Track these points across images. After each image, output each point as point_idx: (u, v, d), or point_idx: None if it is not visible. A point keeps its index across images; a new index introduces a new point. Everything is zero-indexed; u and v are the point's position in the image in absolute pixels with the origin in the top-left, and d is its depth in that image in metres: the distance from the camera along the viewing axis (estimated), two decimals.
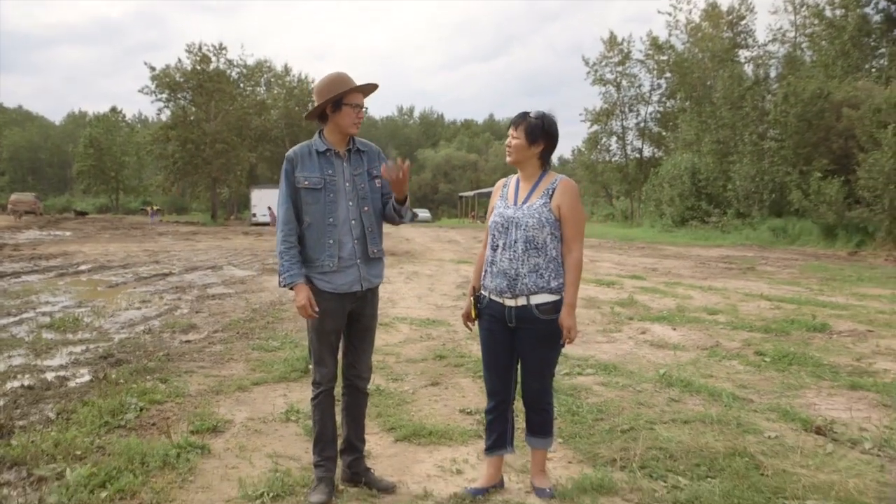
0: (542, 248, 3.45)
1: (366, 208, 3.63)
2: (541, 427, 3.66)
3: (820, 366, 6.48)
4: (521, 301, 3.46)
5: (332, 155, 3.60)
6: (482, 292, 3.65)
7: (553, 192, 3.50)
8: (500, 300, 3.52)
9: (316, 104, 3.57)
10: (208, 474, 3.88)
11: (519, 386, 3.72)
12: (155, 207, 52.46)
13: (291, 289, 3.53)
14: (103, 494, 3.50)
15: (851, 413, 5.09)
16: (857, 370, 6.39)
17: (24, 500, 3.45)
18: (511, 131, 3.56)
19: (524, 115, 3.53)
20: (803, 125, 28.09)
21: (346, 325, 3.70)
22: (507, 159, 3.61)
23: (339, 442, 3.78)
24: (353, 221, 3.58)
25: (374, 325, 3.82)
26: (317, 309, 3.50)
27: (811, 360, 6.65)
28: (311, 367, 3.78)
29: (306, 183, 3.55)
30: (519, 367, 3.65)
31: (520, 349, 3.57)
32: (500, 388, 3.67)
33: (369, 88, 3.66)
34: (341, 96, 3.52)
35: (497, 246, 3.54)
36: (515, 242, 3.47)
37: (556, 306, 3.45)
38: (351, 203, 3.59)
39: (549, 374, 3.64)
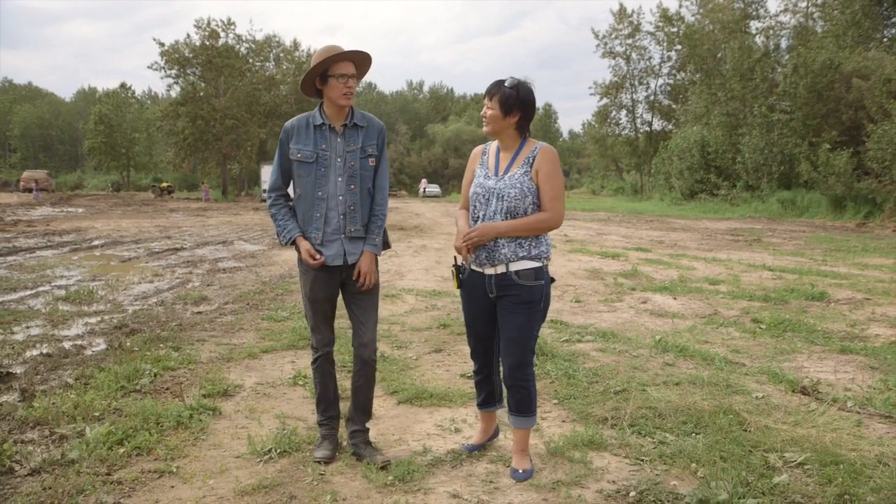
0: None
1: (352, 186, 3.64)
2: (520, 405, 3.57)
3: (814, 332, 6.64)
4: (501, 269, 3.46)
5: (327, 129, 3.64)
6: (462, 263, 3.67)
7: (533, 160, 3.48)
8: (481, 270, 3.53)
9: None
10: (220, 433, 4.10)
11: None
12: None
13: (293, 244, 3.66)
14: (121, 450, 3.73)
15: (838, 375, 5.27)
16: (849, 335, 6.56)
17: (48, 455, 3.67)
18: (486, 101, 3.51)
19: (499, 84, 3.48)
20: (813, 96, 27.93)
21: (344, 297, 3.78)
22: (484, 129, 3.57)
23: (346, 409, 3.92)
24: (340, 197, 3.63)
25: (372, 298, 3.79)
26: (318, 256, 3.58)
27: (805, 327, 6.81)
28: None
29: (299, 156, 3.62)
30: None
31: (500, 318, 3.55)
32: (482, 354, 3.76)
33: (358, 57, 3.61)
34: (325, 67, 3.54)
35: (478, 217, 3.53)
36: (496, 214, 3.46)
37: (536, 273, 3.44)
38: (340, 179, 3.63)
39: (527, 346, 3.52)
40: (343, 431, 3.94)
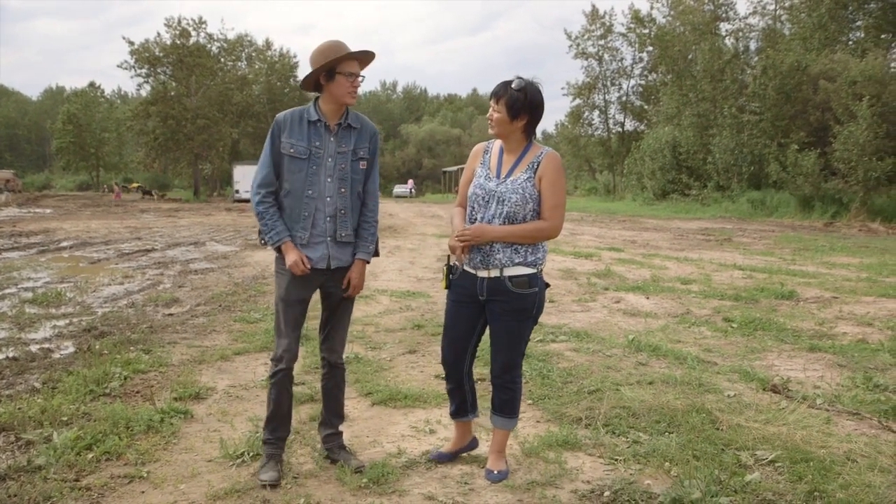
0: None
1: (342, 189, 3.52)
2: (504, 406, 3.53)
3: (783, 330, 6.75)
4: (494, 273, 3.36)
5: (322, 127, 3.51)
6: (455, 262, 3.54)
7: (538, 165, 3.37)
8: (473, 271, 3.43)
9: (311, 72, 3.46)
10: (191, 437, 4.04)
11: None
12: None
13: (278, 249, 3.52)
14: (90, 455, 3.66)
15: (808, 373, 5.35)
16: (817, 334, 6.67)
17: (14, 461, 3.60)
18: (492, 103, 3.38)
19: (505, 85, 3.32)
20: (781, 98, 28.38)
21: (322, 300, 3.70)
22: (490, 132, 3.46)
23: (319, 415, 3.83)
24: (328, 199, 3.50)
25: (349, 303, 3.74)
26: (309, 265, 3.46)
27: (776, 326, 6.92)
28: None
29: (292, 150, 3.47)
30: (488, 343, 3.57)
31: (490, 322, 3.48)
32: (453, 362, 3.61)
33: (364, 56, 3.53)
34: (334, 64, 3.42)
35: (475, 220, 3.43)
36: (494, 218, 3.36)
37: (530, 280, 3.36)
38: (329, 180, 3.50)
39: (517, 350, 3.48)
40: (316, 435, 3.90)
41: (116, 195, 46.50)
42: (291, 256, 3.45)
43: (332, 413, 3.80)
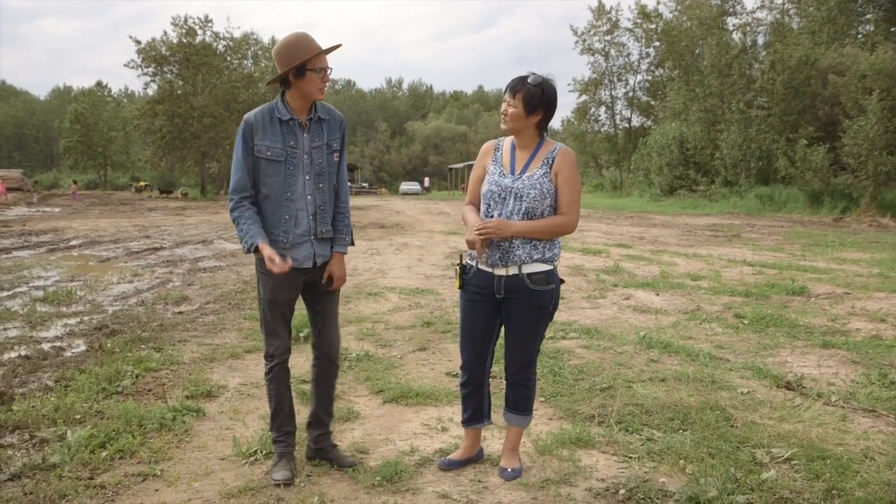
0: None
1: (321, 185, 3.47)
2: (518, 403, 3.52)
3: (795, 326, 6.71)
4: (513, 270, 3.32)
5: (295, 125, 3.41)
6: (469, 262, 3.49)
7: (553, 161, 3.35)
8: (490, 269, 3.38)
9: (278, 70, 3.35)
10: (204, 435, 4.04)
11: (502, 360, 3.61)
12: None
13: (257, 252, 3.35)
14: (104, 454, 3.66)
15: (822, 369, 5.32)
16: (830, 330, 6.63)
17: (29, 459, 3.60)
18: (507, 98, 3.31)
19: (522, 80, 3.27)
20: (790, 92, 28.26)
21: (307, 296, 3.63)
22: (503, 126, 3.38)
23: (307, 414, 3.73)
24: (308, 197, 3.44)
25: (335, 296, 3.67)
26: (288, 265, 3.33)
27: (787, 322, 6.88)
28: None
29: (268, 153, 3.37)
30: (503, 340, 3.54)
31: (506, 320, 3.45)
32: (474, 363, 3.55)
33: (332, 50, 3.45)
34: (304, 62, 3.31)
35: (491, 216, 3.37)
36: (512, 214, 3.32)
37: (548, 277, 3.34)
38: (307, 178, 3.44)
39: (533, 347, 3.47)
40: (304, 435, 3.78)
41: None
42: (267, 255, 3.28)
43: (323, 410, 3.70)
